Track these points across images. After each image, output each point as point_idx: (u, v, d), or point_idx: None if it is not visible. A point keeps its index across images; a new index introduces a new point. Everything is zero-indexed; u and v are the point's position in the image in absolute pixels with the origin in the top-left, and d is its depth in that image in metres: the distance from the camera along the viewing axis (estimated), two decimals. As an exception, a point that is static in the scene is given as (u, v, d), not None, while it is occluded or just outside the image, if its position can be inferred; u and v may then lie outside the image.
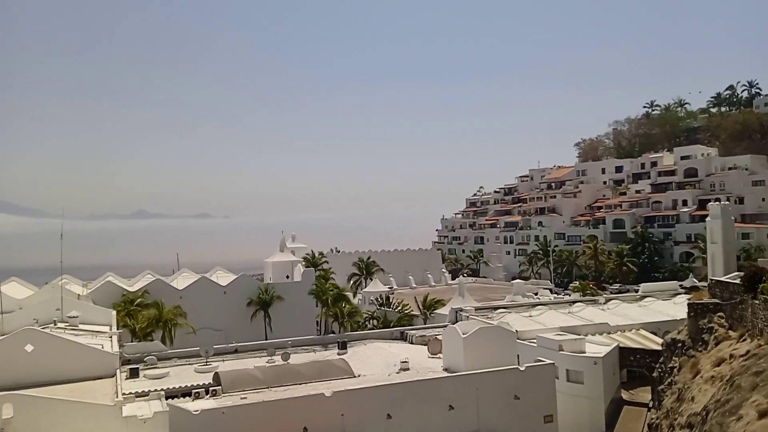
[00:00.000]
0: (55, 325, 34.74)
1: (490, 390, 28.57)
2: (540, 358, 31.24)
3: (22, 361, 24.92)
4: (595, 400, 34.25)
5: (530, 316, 45.56)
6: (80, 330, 34.59)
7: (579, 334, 38.13)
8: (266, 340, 50.98)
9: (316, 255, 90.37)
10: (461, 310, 45.85)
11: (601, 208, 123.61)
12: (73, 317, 36.24)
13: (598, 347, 36.99)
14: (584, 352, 35.67)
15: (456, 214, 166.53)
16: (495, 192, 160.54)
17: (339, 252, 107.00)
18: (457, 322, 41.02)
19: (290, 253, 75.63)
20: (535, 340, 37.56)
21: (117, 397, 22.43)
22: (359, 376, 31.13)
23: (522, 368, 29.63)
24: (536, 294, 69.10)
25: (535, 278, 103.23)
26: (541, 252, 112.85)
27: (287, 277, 70.69)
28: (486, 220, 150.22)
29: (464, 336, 30.19)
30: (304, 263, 77.97)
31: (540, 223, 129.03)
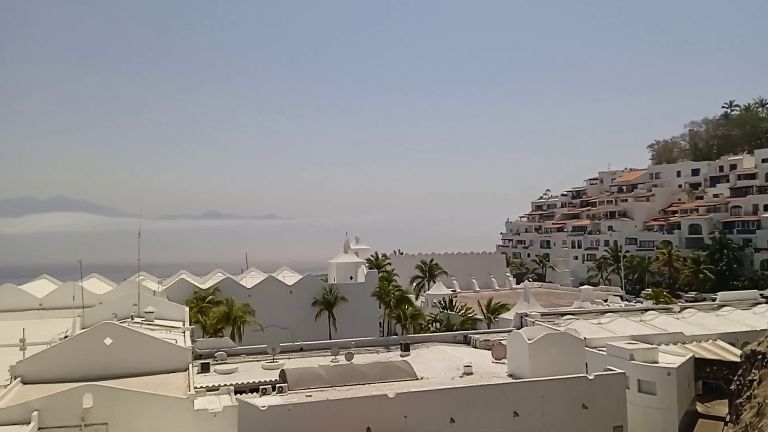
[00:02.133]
0: (132, 319, 36.33)
1: (557, 398, 27.91)
2: (610, 367, 30.28)
3: (101, 354, 26.15)
4: (667, 412, 32.83)
5: (599, 324, 44.18)
6: (155, 325, 36.02)
7: (651, 344, 36.66)
8: (330, 339, 51.64)
9: (379, 257, 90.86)
10: (526, 315, 45.00)
11: (675, 212, 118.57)
12: (149, 312, 37.79)
13: (672, 357, 35.47)
14: (657, 362, 34.28)
15: (521, 217, 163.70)
16: (562, 195, 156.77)
17: (402, 254, 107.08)
18: (522, 327, 40.35)
19: (354, 255, 76.31)
20: (604, 349, 36.39)
21: (189, 391, 23.22)
22: (422, 378, 31.10)
23: (590, 377, 28.80)
24: (605, 301, 66.90)
25: (605, 284, 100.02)
26: (611, 257, 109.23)
27: (351, 278, 71.39)
28: (553, 223, 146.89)
29: (530, 342, 29.64)
30: (367, 265, 78.59)
31: (610, 228, 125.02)
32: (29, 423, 20.11)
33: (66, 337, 32.49)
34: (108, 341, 26.22)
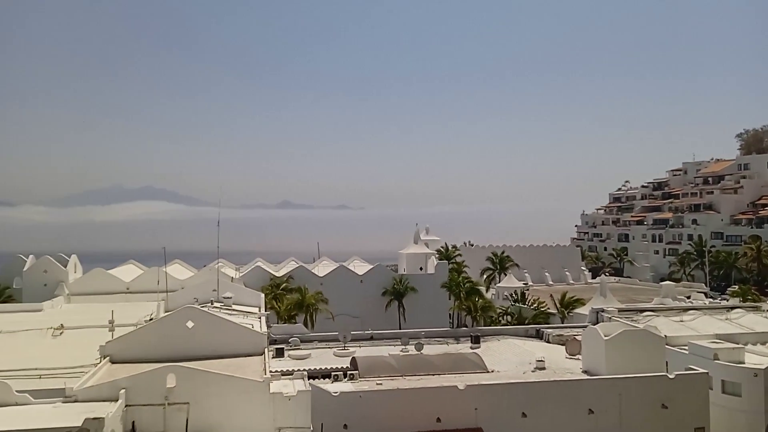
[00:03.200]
0: (211, 304, 37.79)
1: (635, 396, 26.99)
2: (692, 367, 28.99)
3: (183, 336, 27.30)
4: (754, 415, 31.03)
5: (681, 321, 42.17)
6: (233, 310, 37.32)
7: (737, 343, 34.71)
8: (400, 329, 51.97)
9: (449, 248, 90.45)
10: (603, 310, 43.55)
11: (765, 206, 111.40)
12: (228, 298, 39.19)
13: (759, 358, 33.48)
14: (743, 363, 32.43)
15: (598, 209, 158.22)
16: (642, 186, 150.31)
17: (472, 245, 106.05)
18: (597, 323, 39.12)
19: (424, 246, 76.28)
20: (686, 347, 34.78)
21: (265, 374, 23.89)
22: (492, 371, 30.79)
23: (671, 376, 27.66)
24: (688, 297, 63.75)
25: (687, 280, 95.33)
26: (694, 252, 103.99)
27: (420, 268, 71.43)
28: (632, 216, 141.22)
29: (606, 338, 28.77)
30: (437, 256, 78.36)
31: (694, 221, 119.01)
32: (117, 400, 21.31)
33: (151, 319, 34.23)
34: (190, 324, 27.33)
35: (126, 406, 21.57)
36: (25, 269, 61.31)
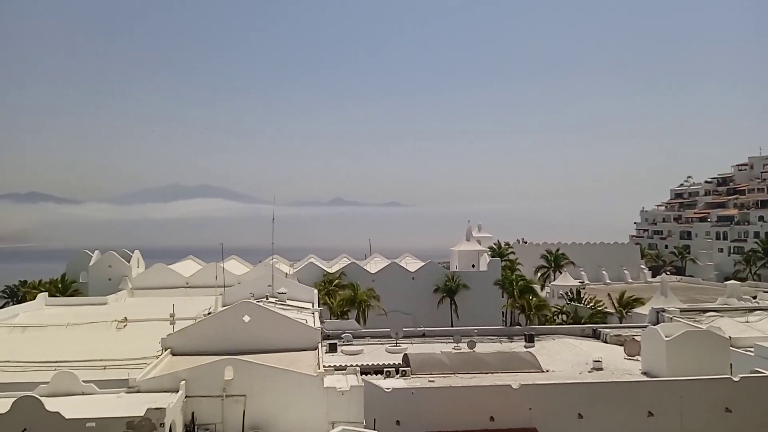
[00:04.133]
0: (267, 299, 38.56)
1: (697, 399, 26.01)
2: (758, 369, 27.72)
3: (240, 330, 27.95)
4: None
5: (746, 322, 40.36)
6: (288, 305, 37.98)
7: (809, 346, 32.94)
8: (452, 327, 51.71)
9: (502, 245, 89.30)
10: (663, 310, 42.14)
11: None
12: (282, 293, 39.89)
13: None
14: (816, 367, 30.76)
15: (658, 206, 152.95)
16: (706, 182, 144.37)
17: (526, 243, 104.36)
18: (658, 323, 37.91)
19: (476, 243, 75.63)
20: (752, 349, 33.24)
21: (319, 369, 24.20)
22: (547, 371, 30.27)
23: (736, 379, 26.51)
24: (754, 297, 60.91)
25: (753, 280, 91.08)
26: (761, 250, 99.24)
27: (473, 266, 70.83)
28: (694, 213, 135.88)
29: (667, 339, 27.84)
30: (489, 253, 77.53)
31: (761, 218, 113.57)
32: (178, 391, 22.01)
33: (209, 313, 35.22)
34: (246, 318, 27.95)
35: (186, 397, 22.26)
36: (90, 264, 64.10)
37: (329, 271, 65.73)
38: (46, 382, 22.09)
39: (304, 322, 31.75)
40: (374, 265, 71.24)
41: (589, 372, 30.00)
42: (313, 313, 37.51)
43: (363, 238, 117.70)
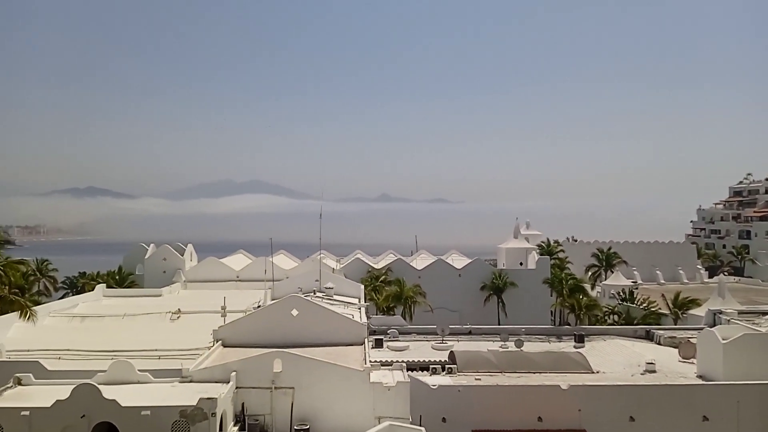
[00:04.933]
0: (314, 294, 39.06)
1: (755, 405, 25.05)
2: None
3: (288, 324, 28.42)
4: None
5: (811, 326, 38.54)
6: (335, 300, 38.38)
7: None
8: (499, 325, 51.16)
9: (551, 243, 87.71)
10: (721, 312, 40.68)
11: None
12: (329, 288, 40.33)
13: None
14: None
15: (716, 204, 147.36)
16: (766, 180, 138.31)
17: (575, 241, 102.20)
18: (715, 325, 36.63)
19: (524, 240, 74.56)
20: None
21: (365, 364, 24.39)
22: (598, 372, 29.66)
23: (798, 385, 25.34)
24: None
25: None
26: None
27: (521, 264, 69.88)
28: (754, 211, 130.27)
29: (724, 342, 26.88)
30: (538, 251, 76.31)
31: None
32: (228, 382, 22.56)
33: (259, 306, 35.90)
34: (294, 312, 28.37)
35: (236, 388, 22.80)
36: (146, 257, 66.29)
37: (375, 267, 66.00)
38: (104, 371, 22.97)
39: (351, 317, 32.03)
40: (420, 261, 71.15)
41: (642, 374, 29.23)
42: (360, 309, 37.77)
43: (409, 234, 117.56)
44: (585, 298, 57.95)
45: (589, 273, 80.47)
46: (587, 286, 67.06)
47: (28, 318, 27.67)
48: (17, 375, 23.19)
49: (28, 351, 28.89)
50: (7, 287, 27.25)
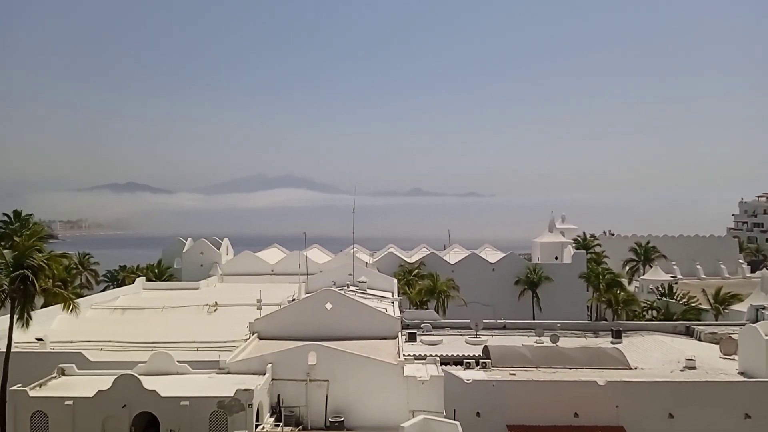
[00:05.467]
0: (348, 287, 39.29)
1: (801, 404, 24.25)
2: None
3: (322, 317, 28.65)
4: None
5: None
6: (368, 294, 38.54)
7: None
8: (534, 319, 50.67)
9: (587, 237, 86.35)
10: (763, 307, 39.58)
11: None
12: (362, 282, 40.52)
13: None
14: None
15: (759, 197, 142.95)
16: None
17: (612, 235, 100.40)
18: (757, 321, 35.67)
19: (559, 234, 73.51)
20: None
21: (399, 358, 24.45)
22: (636, 368, 29.18)
23: None
24: None
25: None
26: None
27: (556, 258, 68.98)
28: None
29: (767, 338, 26.08)
30: (574, 245, 75.25)
31: None
32: (264, 374, 22.88)
33: (293, 300, 36.29)
34: (328, 306, 28.58)
35: (272, 380, 23.10)
36: (184, 251, 67.62)
37: (408, 261, 65.98)
38: (144, 362, 23.55)
39: (384, 310, 32.10)
40: (453, 255, 70.86)
41: (681, 371, 28.64)
42: (393, 303, 37.84)
43: (442, 228, 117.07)
44: (622, 293, 56.94)
45: (627, 267, 78.98)
46: (625, 281, 65.86)
47: (71, 310, 28.48)
48: (61, 365, 23.95)
49: (71, 342, 29.82)
50: (50, 280, 28.00)
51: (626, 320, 50.15)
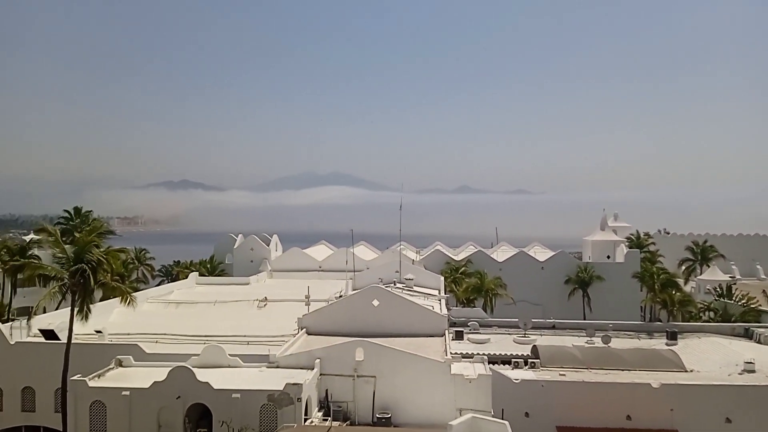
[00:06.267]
0: (394, 285, 39.41)
1: None
2: None
3: (369, 313, 28.90)
4: None
5: None
6: (415, 291, 38.54)
7: None
8: (584, 320, 49.61)
9: (641, 235, 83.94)
10: (830, 310, 37.62)
11: None
12: (409, 279, 40.56)
13: None
14: None
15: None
16: None
17: (668, 233, 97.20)
18: (825, 324, 33.93)
19: (612, 232, 71.73)
20: None
21: (446, 356, 24.41)
22: (691, 371, 28.19)
23: None
24: None
25: None
26: None
27: (608, 257, 67.33)
28: None
29: (835, 342, 24.80)
30: (627, 243, 73.28)
31: None
32: (313, 369, 23.20)
33: (340, 296, 36.63)
34: (375, 303, 28.76)
35: (320, 374, 23.41)
36: (235, 247, 69.18)
37: (455, 258, 65.60)
38: (197, 354, 24.22)
39: (431, 308, 32.08)
40: (501, 253, 70.05)
41: (740, 374, 27.48)
42: (440, 300, 37.73)
43: (489, 226, 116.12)
44: (678, 294, 55.15)
45: (683, 267, 76.36)
46: (680, 281, 63.68)
47: (128, 303, 29.50)
48: (118, 357, 24.87)
49: (128, 334, 30.90)
50: (109, 274, 29.06)
51: (682, 321, 48.59)
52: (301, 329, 28.90)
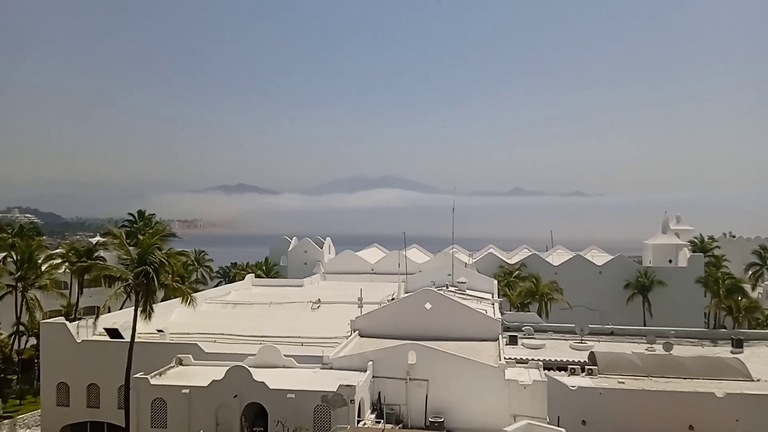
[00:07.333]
0: (447, 288, 39.19)
1: None
2: None
3: (421, 316, 28.81)
4: None
5: None
6: (467, 295, 38.22)
7: None
8: (644, 326, 48.07)
9: (705, 239, 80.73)
10: None
11: None
12: (462, 282, 40.23)
13: None
14: None
15: None
16: None
17: (734, 237, 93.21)
18: None
19: (674, 236, 69.25)
20: None
21: (500, 360, 24.10)
22: (758, 380, 26.92)
23: None
24: None
25: None
26: None
27: (670, 261, 65.06)
28: None
29: None
30: (690, 247, 70.64)
31: None
32: (366, 371, 23.33)
33: (393, 299, 36.73)
34: (428, 306, 28.68)
35: (373, 377, 23.52)
36: (289, 249, 70.44)
37: (509, 262, 64.72)
38: (253, 354, 24.76)
39: (485, 312, 31.71)
40: (557, 257, 68.70)
41: (814, 386, 26.08)
42: (493, 304, 37.30)
43: (544, 229, 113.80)
44: (745, 300, 52.86)
45: (750, 272, 73.00)
46: (747, 287, 60.95)
47: (189, 304, 30.45)
48: (179, 355, 25.69)
49: (188, 334, 31.86)
50: (170, 275, 30.11)
51: (748, 329, 46.51)
52: (354, 331, 29.11)
